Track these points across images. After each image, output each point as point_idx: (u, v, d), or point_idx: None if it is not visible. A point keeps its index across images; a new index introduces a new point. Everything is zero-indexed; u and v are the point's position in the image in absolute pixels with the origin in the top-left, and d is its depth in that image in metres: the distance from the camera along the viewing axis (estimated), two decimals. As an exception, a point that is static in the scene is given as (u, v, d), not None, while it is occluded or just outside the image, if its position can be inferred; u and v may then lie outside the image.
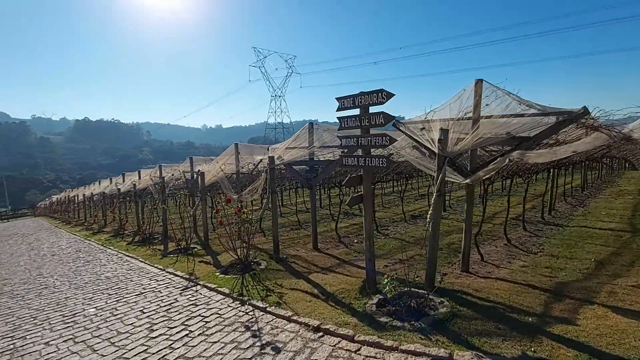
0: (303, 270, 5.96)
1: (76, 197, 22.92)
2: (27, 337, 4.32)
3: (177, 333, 4.01)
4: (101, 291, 5.91)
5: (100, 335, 4.17)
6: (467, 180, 4.68)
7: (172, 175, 11.42)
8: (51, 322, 4.71)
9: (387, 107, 4.32)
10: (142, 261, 7.85)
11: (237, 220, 6.22)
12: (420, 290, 4.19)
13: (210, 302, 4.90)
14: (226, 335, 3.86)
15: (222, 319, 4.29)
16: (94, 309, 5.06)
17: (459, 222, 9.21)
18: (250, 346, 3.56)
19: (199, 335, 3.92)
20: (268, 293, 4.95)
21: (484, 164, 4.80)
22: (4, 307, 5.58)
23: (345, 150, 5.27)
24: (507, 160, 4.64)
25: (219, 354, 3.48)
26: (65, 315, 4.94)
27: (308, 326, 3.83)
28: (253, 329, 3.96)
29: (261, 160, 9.21)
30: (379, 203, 13.89)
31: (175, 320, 4.38)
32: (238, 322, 4.18)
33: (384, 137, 4.30)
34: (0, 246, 13.02)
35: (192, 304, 4.88)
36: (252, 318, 4.25)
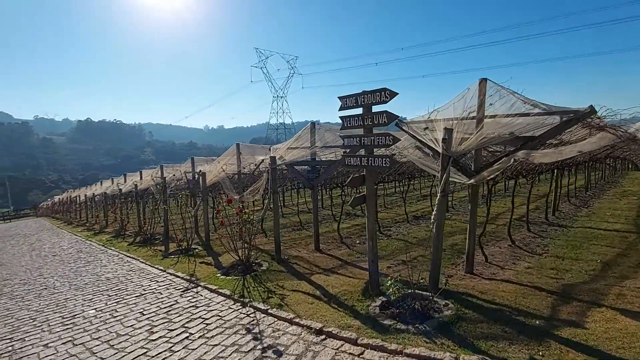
0: (305, 272, 5.89)
1: (78, 198, 22.93)
2: (26, 339, 4.27)
3: (177, 335, 3.96)
4: (101, 292, 5.87)
5: (100, 337, 4.12)
6: (472, 181, 4.60)
7: (174, 175, 11.38)
8: (50, 324, 4.66)
9: (389, 108, 4.26)
10: (142, 262, 7.80)
11: (238, 221, 6.16)
12: (425, 292, 4.11)
13: (211, 304, 4.84)
14: (227, 338, 3.80)
15: (223, 321, 4.23)
16: (93, 311, 5.01)
17: (462, 223, 9.14)
18: (251, 349, 3.50)
19: (199, 337, 3.86)
20: (269, 295, 4.89)
21: (489, 164, 4.73)
22: (3, 308, 5.54)
23: (348, 150, 5.21)
24: (512, 160, 4.57)
25: (219, 357, 3.42)
26: (65, 316, 4.89)
27: (310, 329, 3.76)
28: (254, 331, 3.89)
29: (263, 160, 9.16)
30: (381, 204, 13.81)
31: (175, 323, 4.32)
32: (239, 324, 4.11)
33: (387, 137, 4.23)
34: (2, 246, 13.01)
35: (192, 306, 4.83)
36: (254, 320, 4.19)
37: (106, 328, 4.36)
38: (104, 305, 5.22)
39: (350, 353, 3.27)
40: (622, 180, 19.54)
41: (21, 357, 3.80)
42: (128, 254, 8.74)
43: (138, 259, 8.08)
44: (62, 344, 4.04)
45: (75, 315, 4.91)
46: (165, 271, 6.77)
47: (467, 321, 3.61)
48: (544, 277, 4.94)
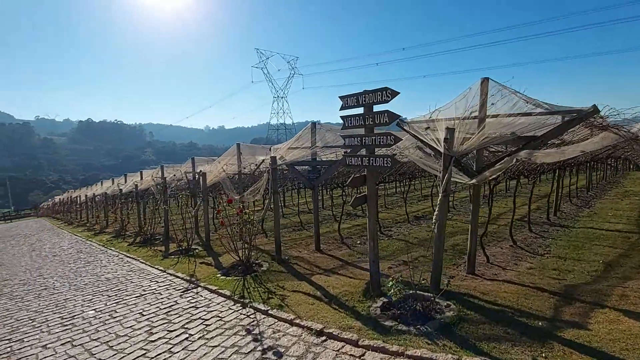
0: (305, 272, 5.86)
1: (78, 198, 22.93)
2: (25, 339, 4.24)
3: (176, 337, 3.93)
4: (101, 293, 5.84)
5: (99, 338, 4.09)
6: (473, 181, 4.57)
7: (174, 175, 11.37)
8: (49, 325, 4.63)
9: (390, 107, 4.24)
10: (142, 262, 7.78)
11: (238, 221, 6.14)
12: (426, 293, 4.08)
13: (210, 305, 4.81)
14: (227, 339, 3.77)
15: (223, 322, 4.20)
16: (93, 311, 4.99)
17: (463, 223, 9.10)
18: (251, 351, 3.47)
19: (199, 339, 3.83)
20: (270, 295, 4.86)
21: (491, 164, 4.70)
22: (2, 308, 5.52)
23: (349, 150, 5.18)
24: (514, 160, 4.53)
25: (219, 359, 3.39)
26: (64, 317, 4.87)
27: (311, 330, 3.73)
28: (254, 332, 3.87)
29: (263, 160, 9.13)
30: (381, 204, 13.77)
31: (175, 323, 4.29)
32: (239, 325, 4.09)
33: (388, 136, 4.20)
34: (2, 247, 13.00)
35: (192, 307, 4.80)
36: (254, 321, 4.16)
37: (105, 329, 4.33)
38: (103, 305, 5.20)
39: (351, 355, 3.24)
40: (624, 180, 19.49)
41: (20, 358, 3.78)
42: (128, 254, 8.72)
43: (138, 260, 8.06)
44: (61, 344, 4.02)
45: (75, 315, 4.89)
46: (165, 271, 6.74)
47: (469, 322, 3.58)
48: (546, 277, 4.90)
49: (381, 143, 4.26)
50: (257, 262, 6.48)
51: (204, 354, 3.49)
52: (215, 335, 3.87)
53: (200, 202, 9.15)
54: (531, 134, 4.36)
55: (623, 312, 3.66)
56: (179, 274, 6.38)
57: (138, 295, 5.53)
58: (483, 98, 4.64)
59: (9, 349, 4.03)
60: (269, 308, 4.40)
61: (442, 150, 4.32)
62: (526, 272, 5.16)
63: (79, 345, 3.97)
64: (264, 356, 3.35)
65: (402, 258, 6.26)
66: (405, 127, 5.16)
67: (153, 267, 7.21)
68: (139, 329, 4.25)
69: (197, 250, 8.12)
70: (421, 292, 4.06)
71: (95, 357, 3.65)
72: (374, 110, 4.34)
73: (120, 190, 15.10)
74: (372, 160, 4.31)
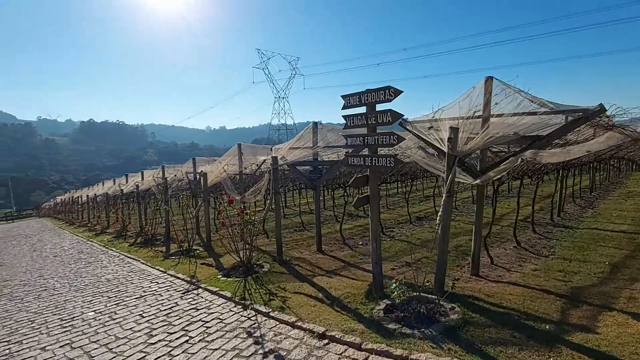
0: (307, 273, 5.80)
1: (80, 198, 22.94)
2: (24, 341, 4.20)
3: (176, 339, 3.87)
4: (101, 294, 5.80)
5: (98, 340, 4.04)
6: (478, 181, 4.50)
7: (175, 176, 11.33)
8: (49, 326, 4.58)
9: (393, 107, 4.17)
10: (143, 263, 7.73)
11: (239, 222, 6.08)
12: (430, 295, 4.01)
13: (211, 306, 4.75)
14: (227, 341, 3.71)
15: (224, 324, 4.14)
16: (92, 313, 4.94)
17: (466, 224, 9.03)
18: (252, 354, 3.41)
19: (199, 341, 3.78)
20: (271, 297, 4.80)
21: (495, 164, 4.63)
22: (2, 309, 5.48)
23: (351, 150, 5.12)
24: (519, 160, 4.46)
25: (219, 361, 3.33)
26: (64, 318, 4.82)
27: (313, 332, 3.67)
28: (255, 335, 3.81)
29: (264, 160, 9.08)
30: (383, 204, 13.70)
31: (175, 325, 4.24)
32: (240, 327, 4.03)
33: (391, 136, 4.13)
34: (3, 247, 12.98)
35: (193, 308, 4.74)
36: (255, 323, 4.10)
37: (105, 331, 4.28)
38: (103, 307, 5.15)
39: (354, 358, 3.17)
40: (627, 180, 19.36)
41: (18, 361, 3.73)
42: (129, 255, 8.68)
43: (139, 260, 8.02)
44: (60, 347, 3.97)
45: (74, 317, 4.84)
46: (165, 272, 6.69)
47: (475, 325, 3.51)
48: (552, 279, 4.82)
49: (384, 143, 4.19)
50: (258, 263, 6.43)
51: (204, 358, 3.44)
52: (216, 338, 3.81)
53: (201, 202, 9.09)
54: (535, 134, 4.29)
55: (631, 315, 3.59)
56: (180, 275, 6.32)
57: (138, 296, 5.48)
58: (487, 97, 4.57)
59: (7, 351, 3.99)
60: (270, 310, 4.34)
61: (445, 150, 4.25)
62: (531, 274, 5.09)
63: (77, 347, 3.91)
64: None
65: (405, 259, 6.20)
66: (408, 127, 5.11)
67: (154, 268, 7.16)
68: (139, 331, 4.19)
69: (198, 251, 8.07)
70: (425, 294, 3.99)
71: (94, 360, 3.60)
72: (376, 110, 4.27)
73: (122, 190, 15.08)
74: (375, 160, 4.24)
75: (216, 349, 3.57)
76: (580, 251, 6.18)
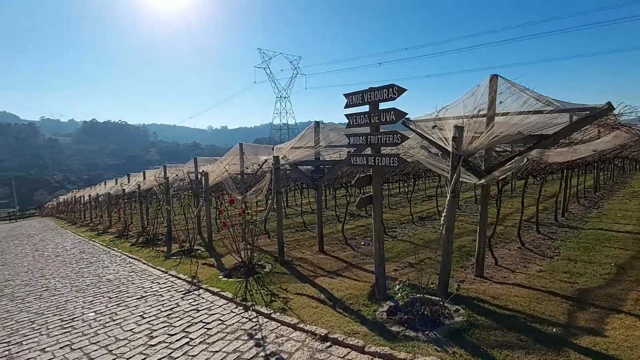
0: (309, 274, 5.75)
1: (82, 198, 22.97)
2: (24, 342, 4.16)
3: (177, 341, 3.83)
4: (102, 294, 5.76)
5: (98, 342, 4.00)
6: (482, 181, 4.43)
7: (177, 175, 11.30)
8: (49, 327, 4.55)
9: (396, 106, 4.11)
10: (145, 263, 7.70)
11: (241, 222, 6.04)
12: (434, 297, 3.95)
13: (212, 308, 4.71)
14: (228, 344, 3.66)
15: (225, 326, 4.10)
16: (93, 313, 4.90)
17: (469, 224, 8.96)
18: (253, 356, 3.36)
19: (200, 343, 3.73)
20: (273, 298, 4.75)
21: (500, 164, 4.56)
22: (2, 310, 5.45)
23: (354, 149, 5.06)
24: (525, 160, 4.39)
25: (220, 364, 3.29)
26: (64, 319, 4.78)
27: (315, 335, 3.62)
28: (257, 337, 3.76)
29: (266, 160, 9.04)
30: (385, 204, 13.63)
31: (175, 327, 4.19)
32: (241, 329, 3.98)
33: (394, 135, 4.07)
34: (5, 247, 12.99)
35: (193, 309, 4.70)
36: (256, 325, 4.05)
37: (105, 332, 4.24)
38: (104, 307, 5.11)
39: (357, 361, 3.12)
40: (631, 180, 19.20)
41: (17, 362, 3.70)
42: (130, 255, 8.65)
43: (140, 260, 7.99)
44: (60, 348, 3.93)
45: (75, 318, 4.80)
46: (167, 273, 6.66)
47: (480, 328, 3.45)
48: (557, 281, 4.75)
49: (387, 142, 4.13)
50: (259, 263, 6.38)
51: (205, 360, 3.39)
52: (217, 340, 3.76)
53: (203, 202, 9.06)
54: (541, 133, 4.22)
55: (639, 318, 3.52)
56: (181, 276, 6.28)
57: (139, 297, 5.44)
58: (492, 95, 4.51)
59: (7, 352, 3.95)
60: (272, 311, 4.29)
61: (450, 149, 4.19)
62: (536, 275, 5.02)
63: (77, 349, 3.87)
64: (266, 362, 3.24)
65: (408, 260, 6.13)
66: (411, 126, 5.04)
67: (155, 268, 7.13)
68: (139, 332, 4.15)
69: (199, 251, 8.03)
70: (429, 296, 3.93)
71: (93, 362, 3.56)
72: (379, 108, 4.21)
73: (124, 190, 15.07)
74: (378, 159, 4.18)
75: (217, 351, 3.52)
76: (585, 252, 6.10)
